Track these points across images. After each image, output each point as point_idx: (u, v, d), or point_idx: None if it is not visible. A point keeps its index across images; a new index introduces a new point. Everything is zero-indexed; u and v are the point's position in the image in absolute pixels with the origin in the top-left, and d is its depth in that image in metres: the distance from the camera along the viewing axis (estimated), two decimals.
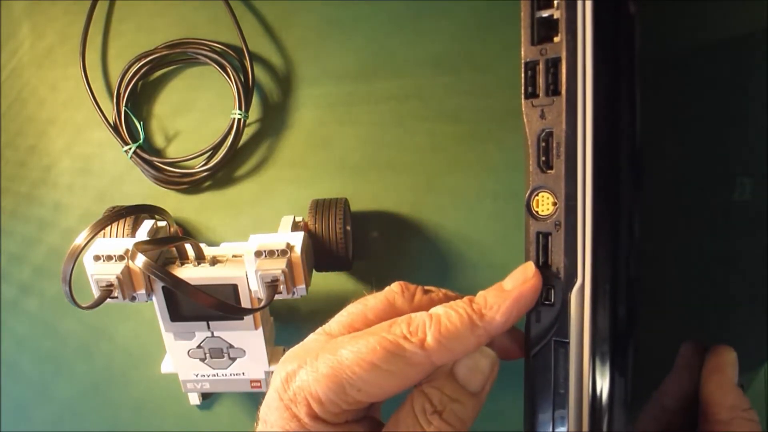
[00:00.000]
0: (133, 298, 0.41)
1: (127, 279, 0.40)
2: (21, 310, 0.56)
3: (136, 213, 0.44)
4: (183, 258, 0.43)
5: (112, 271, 0.39)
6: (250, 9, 0.50)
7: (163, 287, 0.42)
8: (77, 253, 0.37)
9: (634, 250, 0.19)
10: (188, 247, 0.43)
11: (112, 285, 0.40)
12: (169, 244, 0.43)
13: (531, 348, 0.21)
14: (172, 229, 0.46)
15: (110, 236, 0.46)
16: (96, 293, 0.40)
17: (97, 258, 0.40)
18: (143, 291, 0.41)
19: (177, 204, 0.52)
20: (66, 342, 0.55)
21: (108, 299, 0.40)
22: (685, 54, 0.22)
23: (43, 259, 0.55)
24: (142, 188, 0.53)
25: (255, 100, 0.51)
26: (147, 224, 0.45)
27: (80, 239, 0.37)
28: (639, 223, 0.19)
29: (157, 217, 0.46)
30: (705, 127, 0.23)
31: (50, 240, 0.55)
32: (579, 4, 0.18)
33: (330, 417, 0.21)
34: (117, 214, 0.40)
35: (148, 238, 0.43)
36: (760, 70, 0.27)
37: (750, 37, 0.25)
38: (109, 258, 0.40)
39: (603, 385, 0.19)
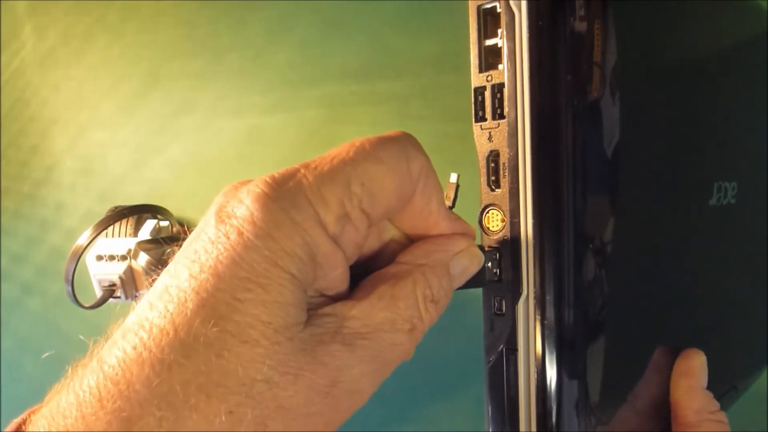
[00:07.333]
0: (135, 298, 0.41)
1: (129, 278, 0.40)
2: (23, 309, 0.56)
3: (139, 213, 0.44)
4: None
5: (114, 271, 0.39)
6: (252, 9, 0.50)
7: None
8: (80, 253, 0.37)
9: (585, 261, 0.20)
10: None
11: (114, 285, 0.40)
12: (172, 244, 0.43)
13: (487, 355, 0.22)
14: (174, 229, 0.46)
15: (113, 236, 0.46)
16: (98, 293, 0.40)
17: (99, 258, 0.40)
18: (146, 291, 0.41)
19: (179, 203, 0.52)
20: (68, 342, 0.55)
21: (111, 299, 0.40)
22: (667, 60, 0.22)
23: (46, 259, 0.55)
24: (144, 188, 0.53)
25: (256, 100, 0.51)
26: (149, 224, 0.45)
27: (83, 239, 0.37)
28: (596, 234, 0.20)
29: (159, 216, 0.46)
30: (686, 132, 0.23)
31: (53, 240, 0.55)
32: (517, 33, 0.19)
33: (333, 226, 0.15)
34: (119, 214, 0.40)
35: (151, 238, 0.43)
36: (741, 75, 0.27)
37: (736, 42, 0.25)
38: (112, 258, 0.40)
39: (551, 390, 0.21)
